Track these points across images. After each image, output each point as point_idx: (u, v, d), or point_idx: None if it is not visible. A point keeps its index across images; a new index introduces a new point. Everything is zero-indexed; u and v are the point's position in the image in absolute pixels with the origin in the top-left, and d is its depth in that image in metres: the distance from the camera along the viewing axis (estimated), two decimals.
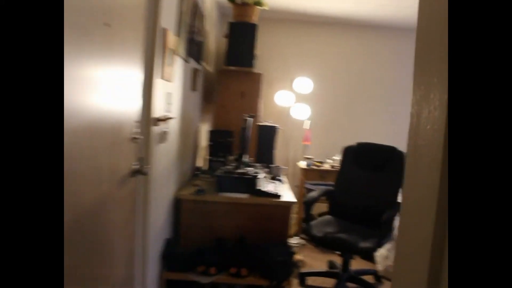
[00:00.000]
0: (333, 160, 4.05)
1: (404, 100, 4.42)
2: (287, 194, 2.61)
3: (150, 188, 1.86)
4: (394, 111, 4.44)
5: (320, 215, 3.23)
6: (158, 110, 1.90)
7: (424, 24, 0.89)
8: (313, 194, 2.96)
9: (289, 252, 2.34)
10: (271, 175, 3.06)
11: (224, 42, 3.53)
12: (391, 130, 4.43)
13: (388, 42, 4.43)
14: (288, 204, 2.49)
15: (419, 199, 0.81)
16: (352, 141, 3.15)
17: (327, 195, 3.13)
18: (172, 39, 2.06)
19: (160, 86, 1.91)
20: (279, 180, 3.00)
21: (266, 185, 2.68)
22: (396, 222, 3.01)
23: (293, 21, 4.39)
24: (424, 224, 0.76)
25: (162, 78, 1.93)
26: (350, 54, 4.44)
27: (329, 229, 2.70)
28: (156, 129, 1.91)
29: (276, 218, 2.48)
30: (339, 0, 3.61)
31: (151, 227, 1.95)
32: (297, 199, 2.80)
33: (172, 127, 2.30)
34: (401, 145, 4.40)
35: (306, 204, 2.83)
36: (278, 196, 2.49)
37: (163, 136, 2.07)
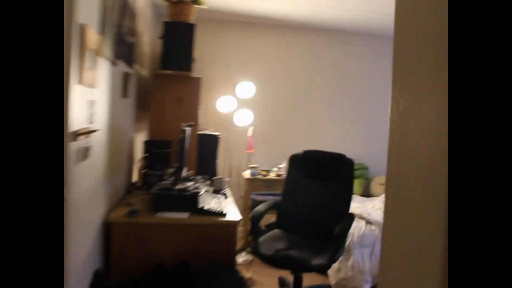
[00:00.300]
0: (279, 168, 3.90)
1: (352, 104, 4.41)
2: (232, 211, 2.38)
3: (69, 215, 1.53)
4: (342, 116, 4.41)
5: (268, 226, 3.04)
6: (76, 122, 1.58)
7: (407, 29, 0.72)
8: (260, 208, 2.76)
9: (237, 277, 2.11)
10: (214, 189, 2.81)
11: (159, 43, 3.23)
12: (339, 136, 4.40)
13: (332, 44, 4.39)
14: (234, 223, 2.26)
15: (411, 227, 0.72)
16: (299, 148, 3.01)
17: (274, 207, 2.96)
18: (93, 38, 1.74)
19: (78, 93, 1.59)
20: (223, 194, 2.76)
21: (209, 202, 2.43)
22: (352, 234, 2.93)
23: (234, 22, 4.18)
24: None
25: (81, 83, 1.61)
26: (294, 57, 4.33)
27: (279, 246, 2.51)
28: (75, 145, 1.59)
29: (221, 239, 2.23)
30: (281, 1, 3.47)
31: (72, 259, 1.62)
32: (242, 210, 2.58)
33: (97, 140, 1.97)
34: (350, 152, 4.35)
35: (253, 220, 2.62)
36: (223, 215, 2.25)
37: (85, 152, 1.74)
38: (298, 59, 4.33)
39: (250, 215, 2.82)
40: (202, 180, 2.78)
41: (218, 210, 2.27)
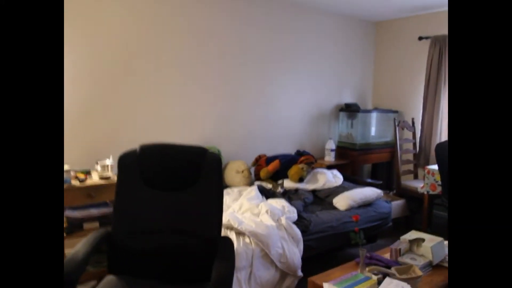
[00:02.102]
0: (104, 167, 2.68)
1: (198, 80, 3.43)
2: None
3: None
4: (185, 93, 3.39)
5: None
6: None
7: None
8: (77, 254, 1.59)
9: None
10: None
11: None
12: (183, 117, 3.40)
13: (183, 12, 3.27)
14: None
15: None
16: (133, 138, 1.93)
17: (103, 241, 1.82)
18: None
19: None
20: None
21: None
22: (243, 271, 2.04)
23: None
24: None
25: None
26: (116, 21, 3.03)
27: None
28: None
29: None
30: None
31: None
32: None
33: None
34: (198, 135, 3.38)
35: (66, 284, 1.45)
36: None
37: None
38: (123, 23, 3.06)
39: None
40: None
41: None
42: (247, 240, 2.31)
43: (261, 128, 3.94)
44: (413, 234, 2.31)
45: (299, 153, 3.50)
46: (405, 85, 4.47)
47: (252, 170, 3.68)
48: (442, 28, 4.04)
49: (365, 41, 4.72)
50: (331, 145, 4.20)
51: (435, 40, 4.02)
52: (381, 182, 3.50)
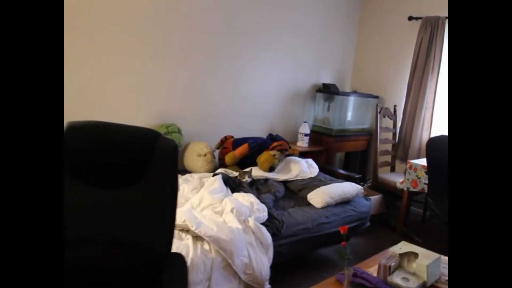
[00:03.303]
0: None
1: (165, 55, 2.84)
2: None
3: None
4: (144, 66, 2.80)
5: None
6: None
7: None
8: None
9: None
10: None
11: None
12: (142, 98, 2.82)
13: None
14: None
15: None
16: (70, 115, 1.41)
17: None
18: None
19: None
20: None
21: None
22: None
23: None
24: None
25: None
26: None
27: None
28: None
29: None
30: None
31: None
32: None
33: None
34: (154, 111, 2.86)
35: None
36: None
37: None
38: None
39: None
40: None
41: None
42: (206, 246, 1.86)
43: (230, 105, 3.44)
44: (404, 247, 1.96)
45: (272, 138, 3.05)
46: (389, 69, 4.10)
47: (217, 153, 3.20)
48: (435, 9, 3.66)
49: (348, 17, 4.27)
50: (305, 129, 3.79)
51: (426, 22, 3.65)
52: (360, 175, 3.14)
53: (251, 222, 2.07)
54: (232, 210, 2.08)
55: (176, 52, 2.99)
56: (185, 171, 3.01)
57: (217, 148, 3.18)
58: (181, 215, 1.93)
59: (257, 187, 2.79)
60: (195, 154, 2.99)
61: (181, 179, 2.74)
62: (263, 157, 2.96)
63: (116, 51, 2.70)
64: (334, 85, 4.09)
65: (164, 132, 2.91)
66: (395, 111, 3.94)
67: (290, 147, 3.09)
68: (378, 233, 3.35)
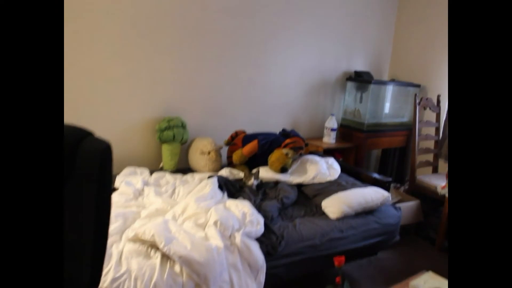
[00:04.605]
0: None
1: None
2: None
3: None
4: (144, 52, 2.52)
5: None
6: None
7: None
8: None
9: None
10: None
11: None
12: (142, 88, 2.55)
13: None
14: None
15: None
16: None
17: None
18: None
19: None
20: None
21: None
22: None
23: None
24: None
25: None
26: None
27: None
28: None
29: None
30: None
31: None
32: None
33: None
34: (155, 103, 2.60)
35: None
36: None
37: None
38: None
39: None
40: None
41: None
42: (177, 268, 1.53)
43: (244, 96, 3.07)
44: (429, 279, 1.51)
45: (285, 134, 2.64)
46: (432, 54, 3.50)
47: (226, 150, 2.86)
48: None
49: None
50: (332, 123, 3.34)
51: None
52: (390, 179, 2.65)
53: (238, 238, 1.70)
54: (215, 223, 1.73)
55: (180, 37, 2.67)
56: (189, 170, 2.71)
57: (226, 145, 2.84)
58: (151, 229, 1.61)
59: (264, 191, 2.41)
60: (199, 151, 2.67)
61: (179, 180, 2.44)
62: (274, 156, 2.57)
63: (113, 36, 2.44)
64: (368, 72, 3.58)
65: (165, 126, 2.62)
66: (438, 102, 3.35)
67: (306, 145, 2.67)
68: (413, 247, 2.84)
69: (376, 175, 2.72)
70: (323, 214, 2.22)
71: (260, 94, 3.15)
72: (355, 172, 2.81)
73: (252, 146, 2.64)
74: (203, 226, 1.76)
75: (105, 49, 2.45)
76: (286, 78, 3.26)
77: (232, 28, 2.86)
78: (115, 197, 2.05)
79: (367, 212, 2.25)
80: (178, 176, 2.53)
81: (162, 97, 2.73)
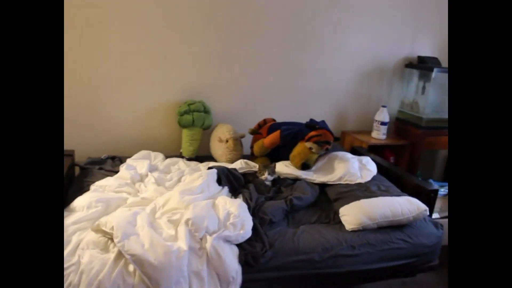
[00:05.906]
0: None
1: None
2: None
3: None
4: (164, 29, 2.39)
5: None
6: None
7: None
8: None
9: None
10: None
11: None
12: (162, 69, 2.43)
13: None
14: None
15: None
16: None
17: None
18: None
19: None
20: None
21: None
22: None
23: None
24: None
25: None
26: None
27: None
28: None
29: None
30: None
31: None
32: None
33: None
34: (175, 87, 2.47)
35: None
36: None
37: None
38: None
39: None
40: None
41: None
42: (130, 268, 1.35)
43: (279, 79, 2.78)
44: None
45: (309, 125, 2.29)
46: None
47: (250, 139, 2.61)
48: None
49: None
50: (383, 116, 2.87)
51: None
52: (437, 187, 2.15)
53: (209, 242, 1.46)
54: (187, 222, 1.50)
55: (206, 13, 2.47)
56: (209, 159, 2.52)
57: (251, 133, 2.58)
58: (113, 220, 1.45)
59: (279, 188, 2.12)
60: (217, 139, 2.47)
61: (190, 168, 2.27)
62: (296, 150, 2.25)
63: (143, 17, 2.33)
64: (435, 58, 3.00)
65: (185, 110, 2.46)
66: None
67: (334, 140, 2.29)
68: None
69: (420, 181, 2.24)
70: (339, 222, 1.86)
71: (300, 78, 2.82)
72: (398, 175, 2.35)
73: (274, 136, 2.35)
74: (176, 224, 1.55)
75: (136, 30, 2.37)
76: (334, 61, 2.87)
77: (272, 6, 2.57)
78: (110, 181, 1.95)
79: (394, 227, 1.83)
80: (193, 163, 2.37)
81: (187, 80, 2.57)
